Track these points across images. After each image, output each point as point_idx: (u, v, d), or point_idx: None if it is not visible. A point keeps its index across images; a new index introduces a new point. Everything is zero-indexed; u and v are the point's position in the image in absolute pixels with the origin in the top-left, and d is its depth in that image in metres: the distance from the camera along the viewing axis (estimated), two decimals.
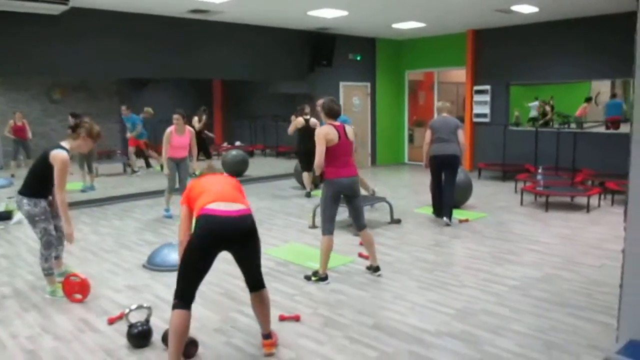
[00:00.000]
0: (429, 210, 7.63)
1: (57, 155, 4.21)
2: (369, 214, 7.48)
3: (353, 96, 12.23)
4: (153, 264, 5.33)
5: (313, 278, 4.84)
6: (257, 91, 15.70)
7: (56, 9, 7.61)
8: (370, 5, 8.60)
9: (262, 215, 7.66)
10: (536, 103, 11.63)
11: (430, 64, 12.47)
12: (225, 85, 17.38)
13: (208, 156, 10.75)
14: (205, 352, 3.51)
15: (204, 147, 10.48)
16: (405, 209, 7.84)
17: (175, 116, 7.19)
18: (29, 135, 11.70)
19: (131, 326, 3.60)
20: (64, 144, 4.38)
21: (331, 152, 4.61)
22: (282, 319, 3.99)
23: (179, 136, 7.24)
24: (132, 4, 8.25)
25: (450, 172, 6.90)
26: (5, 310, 4.28)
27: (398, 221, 7.07)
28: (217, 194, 3.23)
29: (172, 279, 4.91)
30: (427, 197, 8.03)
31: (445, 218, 6.88)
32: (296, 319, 4.00)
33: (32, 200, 4.35)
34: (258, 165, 13.85)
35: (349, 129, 4.80)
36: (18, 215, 7.41)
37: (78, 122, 4.53)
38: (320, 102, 4.85)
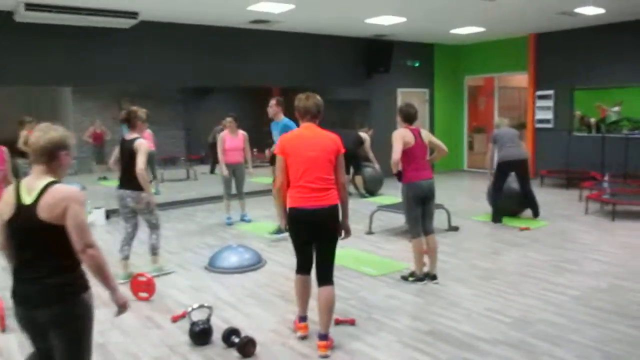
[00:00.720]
0: (487, 218, 7.52)
1: (142, 143, 4.99)
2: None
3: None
4: (214, 266, 5.54)
5: (410, 278, 4.96)
6: None
7: (126, 23, 8.07)
8: (428, 12, 8.59)
9: None
10: (617, 108, 11.11)
11: (490, 69, 12.25)
12: (282, 93, 17.67)
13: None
14: (262, 351, 3.63)
15: None
16: (462, 216, 7.74)
17: (228, 119, 7.61)
18: (105, 141, 12.41)
19: (193, 324, 3.78)
20: (134, 135, 5.03)
21: (408, 154, 4.75)
22: (337, 322, 4.06)
23: (231, 138, 7.57)
24: (195, 17, 8.61)
25: (523, 175, 7.26)
26: None
27: (455, 228, 7.00)
28: (306, 187, 3.53)
29: (232, 280, 5.15)
30: (486, 204, 7.93)
31: (536, 218, 7.35)
32: (351, 322, 4.07)
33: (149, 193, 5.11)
34: None
35: (424, 133, 4.94)
36: (90, 217, 7.88)
37: (129, 114, 5.11)
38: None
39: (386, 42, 11.11)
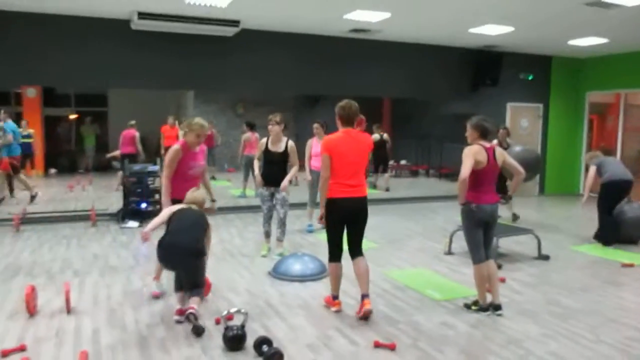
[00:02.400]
0: (588, 249, 6.78)
1: (293, 144, 6.15)
2: (508, 246, 6.88)
3: (521, 118, 11.38)
4: (277, 273, 5.54)
5: (473, 307, 4.57)
6: (423, 110, 15.48)
7: (229, 31, 8.43)
8: (536, 21, 7.95)
9: (400, 235, 7.50)
10: None
11: (616, 85, 11.04)
12: (393, 104, 17.47)
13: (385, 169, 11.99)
14: None
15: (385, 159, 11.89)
16: (560, 245, 7.04)
17: (315, 125, 7.66)
18: (217, 143, 12.99)
19: (227, 329, 3.78)
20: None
21: (477, 175, 4.34)
22: (377, 345, 3.83)
23: (317, 143, 7.60)
24: (296, 25, 8.76)
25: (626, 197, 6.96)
26: (139, 298, 4.81)
27: (546, 257, 6.36)
28: (346, 184, 4.30)
29: (289, 288, 5.13)
30: (592, 233, 7.19)
31: None
32: (391, 347, 3.81)
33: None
34: (418, 186, 13.67)
35: (499, 152, 4.49)
36: None
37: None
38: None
39: (494, 54, 10.48)
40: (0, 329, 4.05)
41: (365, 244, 6.55)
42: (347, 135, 4.35)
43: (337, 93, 11.47)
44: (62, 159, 16.41)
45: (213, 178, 13.58)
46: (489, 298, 4.55)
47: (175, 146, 4.81)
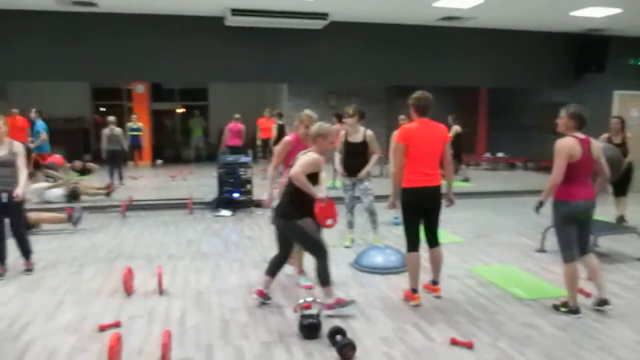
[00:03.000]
0: None
1: (372, 134, 6.27)
2: (608, 245, 6.40)
3: (631, 107, 10.47)
4: (359, 264, 5.56)
5: (562, 309, 4.33)
6: (521, 100, 14.70)
7: (318, 24, 8.52)
8: None
9: (489, 230, 7.22)
10: None
11: None
12: (490, 94, 16.78)
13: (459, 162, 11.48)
14: (362, 356, 3.54)
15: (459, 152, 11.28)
16: None
17: (401, 117, 7.67)
18: None
19: (303, 317, 3.86)
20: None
21: (570, 169, 4.07)
22: (454, 342, 3.74)
23: None
24: (385, 15, 8.65)
25: None
26: (225, 283, 5.04)
27: None
28: (423, 173, 4.33)
29: (371, 280, 5.16)
30: None
31: None
32: (468, 345, 3.71)
33: None
34: (513, 179, 13.06)
35: (595, 145, 4.20)
36: None
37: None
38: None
39: (600, 38, 9.70)
40: (101, 306, 4.44)
41: (451, 238, 6.46)
42: (423, 125, 4.39)
43: (429, 83, 11.21)
44: (168, 150, 17.52)
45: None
46: (587, 300, 4.28)
47: (286, 138, 5.06)
